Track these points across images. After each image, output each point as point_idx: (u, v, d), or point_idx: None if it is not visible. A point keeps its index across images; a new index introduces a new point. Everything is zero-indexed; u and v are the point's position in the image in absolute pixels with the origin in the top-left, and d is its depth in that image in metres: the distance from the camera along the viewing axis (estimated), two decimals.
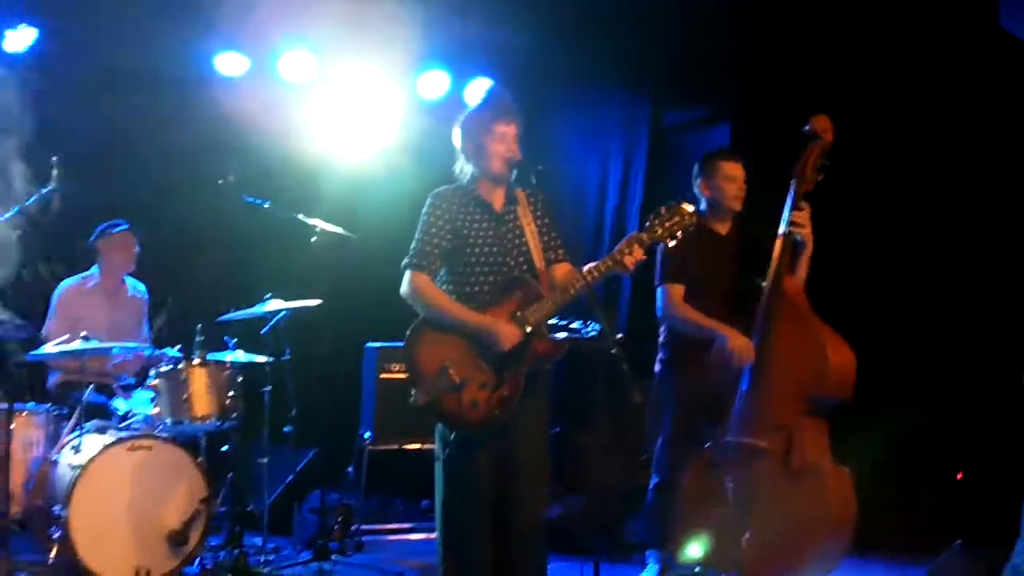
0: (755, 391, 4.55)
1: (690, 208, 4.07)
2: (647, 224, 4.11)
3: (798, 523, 4.36)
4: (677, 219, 4.05)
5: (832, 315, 4.64)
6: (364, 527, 6.20)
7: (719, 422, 4.64)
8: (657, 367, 5.10)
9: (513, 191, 4.31)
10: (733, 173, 4.99)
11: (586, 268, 4.09)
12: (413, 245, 4.26)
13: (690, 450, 4.76)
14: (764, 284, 4.63)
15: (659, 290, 4.94)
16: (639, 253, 4.00)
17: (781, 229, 4.65)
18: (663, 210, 4.09)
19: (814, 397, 4.49)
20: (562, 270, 4.26)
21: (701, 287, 4.89)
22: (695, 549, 4.61)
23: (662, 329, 5.07)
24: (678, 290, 4.89)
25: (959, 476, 6.48)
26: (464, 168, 4.32)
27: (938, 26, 5.36)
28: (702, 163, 5.10)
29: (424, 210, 4.30)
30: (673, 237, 4.08)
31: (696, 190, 5.08)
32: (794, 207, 4.66)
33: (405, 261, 4.26)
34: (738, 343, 4.59)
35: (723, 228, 5.06)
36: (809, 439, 4.48)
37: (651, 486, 5.04)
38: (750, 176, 5.02)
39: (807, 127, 4.71)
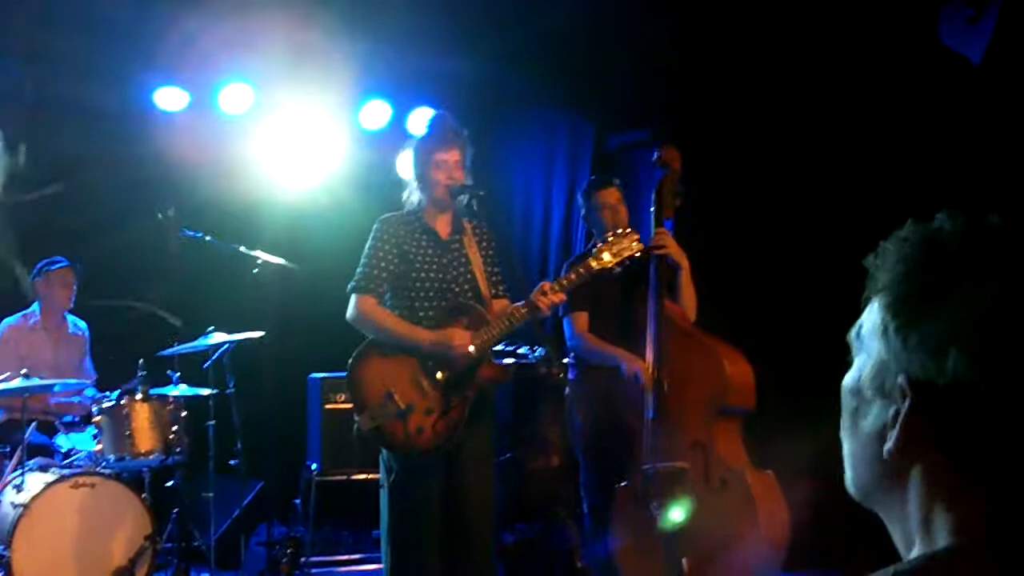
0: (662, 415, 4.58)
1: (636, 235, 4.16)
2: (593, 249, 4.20)
3: (731, 535, 4.37)
4: (624, 245, 4.14)
5: (748, 327, 4.76)
6: (313, 559, 6.16)
7: (631, 450, 4.65)
8: (567, 391, 5.15)
9: (460, 220, 4.37)
10: (604, 200, 5.00)
11: (511, 308, 4.18)
12: (359, 269, 4.29)
13: (609, 474, 4.77)
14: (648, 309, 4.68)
15: (565, 320, 4.98)
16: (556, 297, 4.09)
17: (650, 251, 4.69)
18: (610, 236, 4.19)
19: (719, 406, 4.55)
20: (500, 306, 4.32)
21: (601, 315, 4.93)
22: None
23: (571, 356, 5.11)
24: (582, 318, 4.93)
25: None
26: (411, 196, 4.37)
27: (875, 44, 5.48)
28: (581, 196, 5.18)
29: (371, 235, 4.34)
30: (620, 264, 4.18)
31: (585, 222, 5.18)
32: (654, 231, 4.73)
33: (351, 285, 4.29)
34: (635, 366, 4.62)
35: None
36: (725, 448, 4.54)
37: (586, 510, 5.04)
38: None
39: (656, 156, 4.85)
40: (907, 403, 1.06)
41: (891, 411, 1.08)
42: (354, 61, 6.51)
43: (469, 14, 6.23)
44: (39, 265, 6.01)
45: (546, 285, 4.12)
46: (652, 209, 4.79)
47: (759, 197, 6.00)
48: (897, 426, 1.08)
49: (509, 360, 6.35)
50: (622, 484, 4.69)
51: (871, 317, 1.13)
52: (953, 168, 5.19)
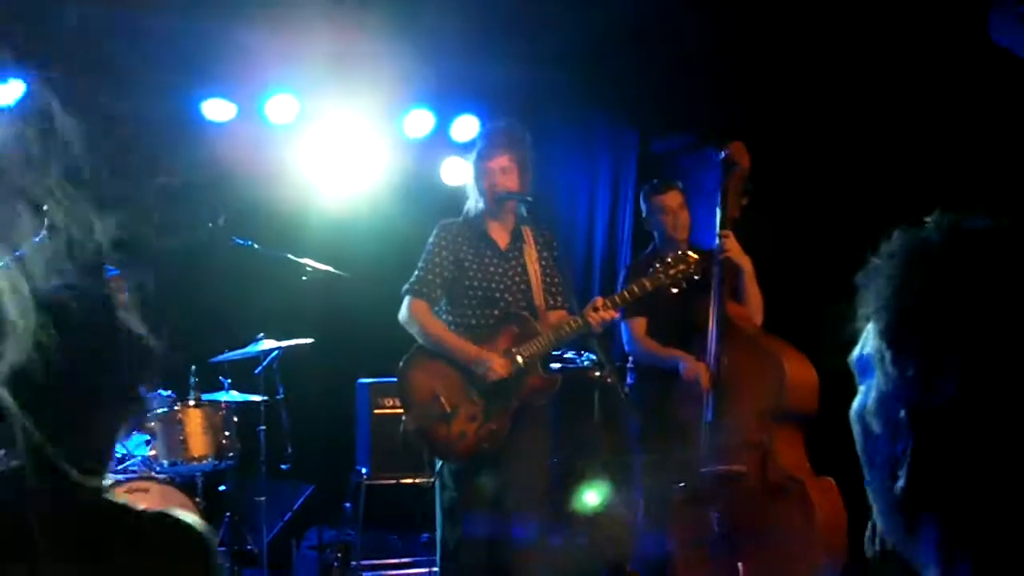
0: (720, 418, 4.55)
1: (695, 256, 4.17)
2: (651, 270, 4.21)
3: (789, 541, 4.35)
4: (683, 267, 4.15)
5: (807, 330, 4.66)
6: (364, 563, 6.22)
7: (689, 453, 4.63)
8: (625, 395, 5.11)
9: (521, 229, 4.39)
10: (665, 204, 5.01)
11: (563, 320, 4.20)
12: (416, 272, 4.35)
13: (666, 476, 4.76)
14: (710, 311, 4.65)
15: (622, 326, 4.98)
16: (608, 313, 4.10)
17: (715, 257, 4.65)
18: (670, 257, 4.19)
19: (778, 411, 4.49)
20: (557, 317, 4.35)
21: (661, 318, 4.91)
22: None
23: (630, 360, 5.15)
24: (639, 323, 4.94)
25: None
26: (473, 204, 4.42)
27: (928, 40, 5.42)
28: (642, 199, 5.15)
29: (430, 239, 4.39)
30: (676, 284, 4.18)
31: (645, 226, 5.17)
32: (719, 234, 4.68)
33: (406, 287, 4.34)
34: (696, 368, 4.61)
35: None
36: (784, 453, 4.48)
37: (640, 513, 5.05)
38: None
39: (723, 154, 4.75)
40: (911, 440, 0.98)
41: (898, 446, 1.00)
42: (397, 70, 6.57)
43: (510, 20, 6.26)
44: None
45: (599, 301, 4.13)
46: (718, 209, 4.71)
47: (807, 197, 5.93)
48: (904, 465, 0.99)
49: (556, 364, 6.38)
50: (680, 485, 4.67)
51: (869, 342, 1.04)
52: (1009, 165, 5.11)
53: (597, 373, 6.22)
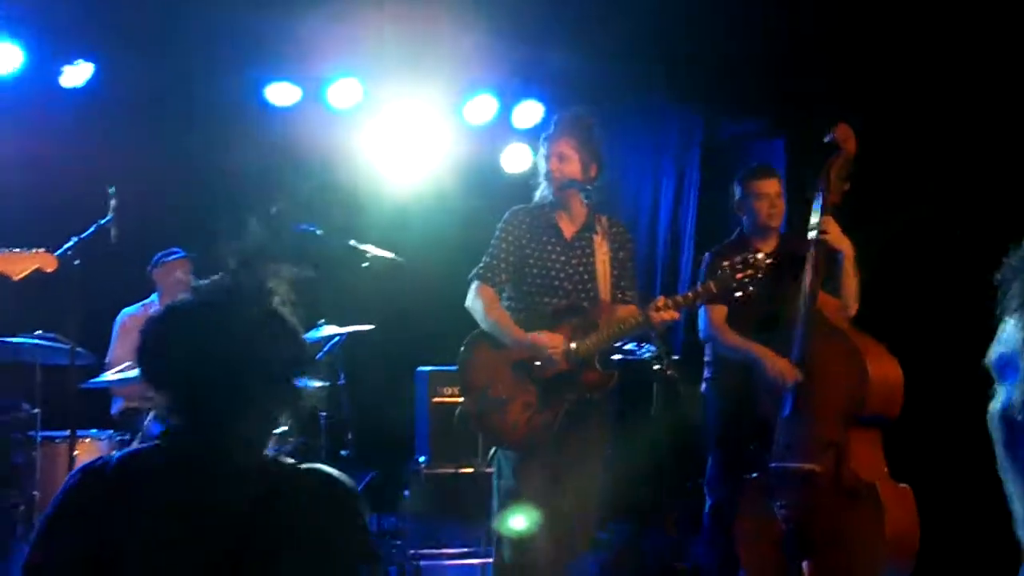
0: (798, 413, 4.42)
1: (762, 257, 4.06)
2: (719, 272, 4.12)
3: (857, 545, 4.24)
4: (751, 271, 4.04)
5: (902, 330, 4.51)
6: (422, 551, 6.21)
7: (766, 445, 4.52)
8: (703, 387, 5.02)
9: (592, 219, 4.32)
10: (763, 190, 4.85)
11: (624, 315, 4.12)
12: (484, 258, 4.33)
13: (739, 470, 4.66)
14: (800, 301, 4.48)
15: (700, 311, 4.81)
16: (669, 314, 4.01)
17: (811, 245, 4.49)
18: (738, 261, 4.09)
19: (858, 414, 4.34)
20: (625, 311, 4.27)
21: (744, 308, 4.65)
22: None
23: (707, 348, 4.99)
24: (719, 311, 4.73)
25: None
26: (543, 192, 4.39)
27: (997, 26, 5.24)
28: (736, 183, 4.99)
29: (499, 225, 4.38)
30: (742, 288, 4.07)
31: (735, 210, 5.01)
32: (819, 221, 4.50)
33: (473, 272, 4.34)
34: (779, 366, 4.45)
35: (766, 247, 4.79)
36: (860, 455, 4.34)
37: (707, 509, 4.94)
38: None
39: (829, 137, 4.57)
40: None
41: None
42: (460, 56, 6.53)
43: (575, 7, 6.20)
44: (156, 256, 6.16)
45: (660, 301, 4.05)
46: (819, 192, 4.53)
47: (882, 188, 5.72)
48: None
49: (617, 356, 6.31)
50: (752, 475, 4.57)
51: (1013, 335, 1.01)
52: None
53: (656, 367, 6.13)
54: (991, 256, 1.19)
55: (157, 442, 1.95)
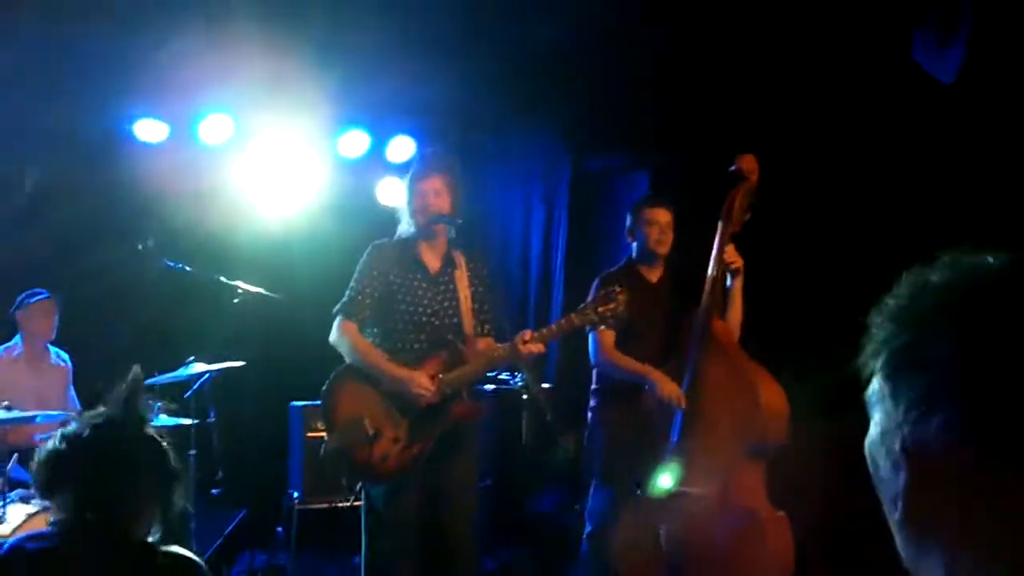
0: (687, 440, 4.44)
1: (624, 296, 4.18)
2: (581, 306, 4.23)
3: (737, 568, 4.30)
4: (612, 305, 4.16)
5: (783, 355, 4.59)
6: None
7: (652, 471, 4.50)
8: (588, 414, 5.04)
9: (452, 254, 4.41)
10: (654, 218, 4.94)
11: (492, 349, 4.22)
12: (347, 293, 4.35)
13: (623, 497, 4.68)
14: (694, 327, 4.53)
15: (590, 336, 4.85)
16: (535, 347, 4.11)
17: (710, 272, 4.54)
18: (600, 295, 4.22)
19: (748, 444, 4.39)
20: (485, 344, 4.36)
21: (633, 333, 4.78)
22: None
23: (594, 375, 5.01)
24: (608, 335, 4.80)
25: None
26: (405, 226, 4.43)
27: (854, 64, 5.45)
28: (629, 211, 5.09)
29: (363, 259, 4.40)
30: (604, 322, 4.20)
31: (626, 238, 5.10)
32: (721, 249, 4.55)
33: (336, 308, 4.35)
34: (667, 388, 4.50)
35: (653, 275, 4.98)
36: (745, 482, 4.40)
37: (585, 534, 4.96)
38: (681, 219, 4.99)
39: (733, 167, 4.62)
40: (904, 475, 1.00)
41: (900, 480, 1.01)
42: (331, 90, 6.55)
43: (445, 41, 6.28)
44: (20, 297, 6.01)
45: (527, 334, 4.13)
46: (719, 223, 4.56)
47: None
48: (902, 498, 1.01)
49: (490, 386, 6.39)
50: (638, 493, 4.54)
51: (875, 378, 1.06)
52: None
53: (525, 396, 6.22)
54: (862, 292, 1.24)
55: (52, 529, 2.31)
